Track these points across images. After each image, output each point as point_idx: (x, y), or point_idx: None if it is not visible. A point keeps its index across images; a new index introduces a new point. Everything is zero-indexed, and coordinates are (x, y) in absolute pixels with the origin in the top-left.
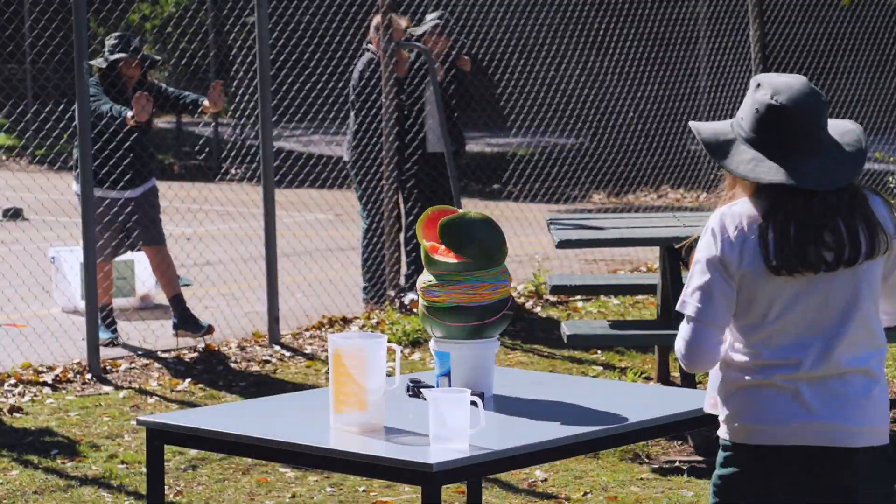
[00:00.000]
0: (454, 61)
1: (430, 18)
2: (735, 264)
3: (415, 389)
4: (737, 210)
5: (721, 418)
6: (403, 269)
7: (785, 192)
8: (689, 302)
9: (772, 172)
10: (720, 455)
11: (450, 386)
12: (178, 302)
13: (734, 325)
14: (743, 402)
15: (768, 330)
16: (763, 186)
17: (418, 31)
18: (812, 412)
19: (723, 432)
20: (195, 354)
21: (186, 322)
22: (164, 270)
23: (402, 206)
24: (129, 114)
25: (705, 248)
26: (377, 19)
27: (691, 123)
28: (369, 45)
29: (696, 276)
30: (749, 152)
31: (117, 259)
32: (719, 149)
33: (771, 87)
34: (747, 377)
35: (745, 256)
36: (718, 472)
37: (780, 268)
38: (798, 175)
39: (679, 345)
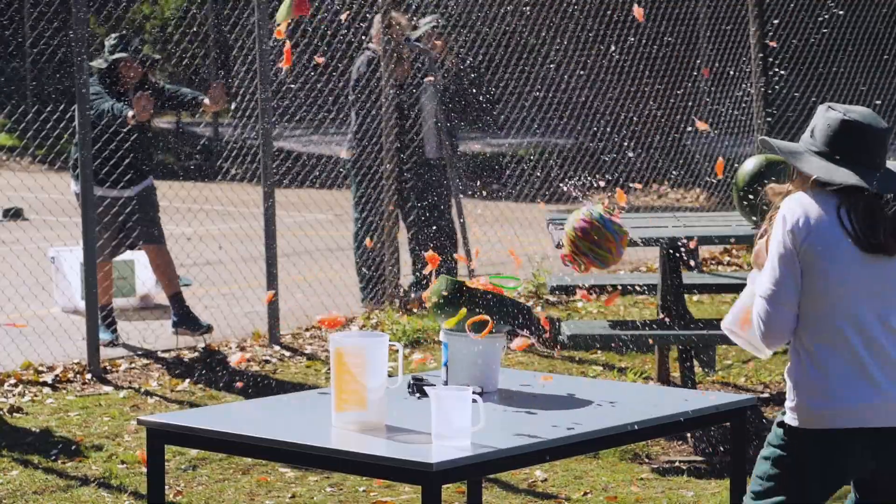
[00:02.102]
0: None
1: (426, 22)
2: (800, 243)
3: (417, 388)
4: (802, 198)
5: (790, 405)
6: (403, 269)
7: (852, 189)
8: (762, 283)
9: (845, 176)
10: (780, 440)
11: (447, 377)
12: (177, 301)
13: (802, 309)
14: (812, 388)
15: (833, 309)
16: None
17: (415, 34)
18: (879, 390)
19: (790, 419)
20: (195, 354)
21: (186, 321)
22: (164, 269)
23: (400, 207)
24: (130, 113)
25: (777, 234)
26: (378, 18)
27: (762, 138)
28: (369, 44)
29: (770, 259)
30: (821, 162)
31: (117, 259)
32: (793, 156)
33: (843, 108)
34: (815, 360)
35: (812, 236)
36: (778, 455)
37: (867, 245)
38: (866, 180)
39: (755, 321)
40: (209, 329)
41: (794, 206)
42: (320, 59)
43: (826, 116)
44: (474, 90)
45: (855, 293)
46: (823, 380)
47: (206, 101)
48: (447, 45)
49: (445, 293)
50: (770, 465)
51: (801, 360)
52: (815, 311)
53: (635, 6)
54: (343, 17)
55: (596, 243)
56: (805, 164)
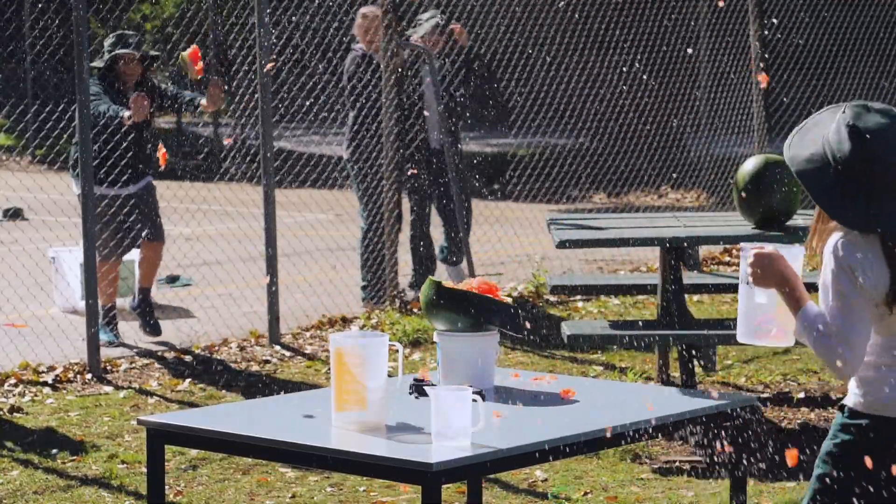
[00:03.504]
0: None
1: (427, 17)
2: (860, 283)
3: (418, 388)
4: (851, 238)
5: (857, 391)
6: (403, 269)
7: None
8: (833, 324)
9: (867, 222)
10: (844, 424)
11: (440, 377)
12: (145, 295)
13: (874, 330)
14: (885, 383)
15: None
16: None
17: (418, 32)
18: None
19: (852, 403)
20: (195, 354)
21: (144, 315)
22: (152, 266)
23: (401, 205)
24: (126, 114)
25: (839, 276)
26: (359, 19)
27: (787, 156)
28: (353, 45)
29: (837, 298)
30: (843, 190)
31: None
32: (811, 179)
33: (866, 125)
34: (882, 363)
35: (869, 278)
36: (840, 439)
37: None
38: (890, 223)
39: (831, 359)
40: (159, 334)
41: (848, 247)
42: (270, 65)
43: (848, 138)
44: (480, 81)
45: None
46: (890, 377)
47: (204, 101)
48: (463, 32)
49: (431, 296)
50: (832, 445)
51: (877, 361)
52: (887, 337)
53: (762, 74)
54: None
55: None
56: (826, 195)
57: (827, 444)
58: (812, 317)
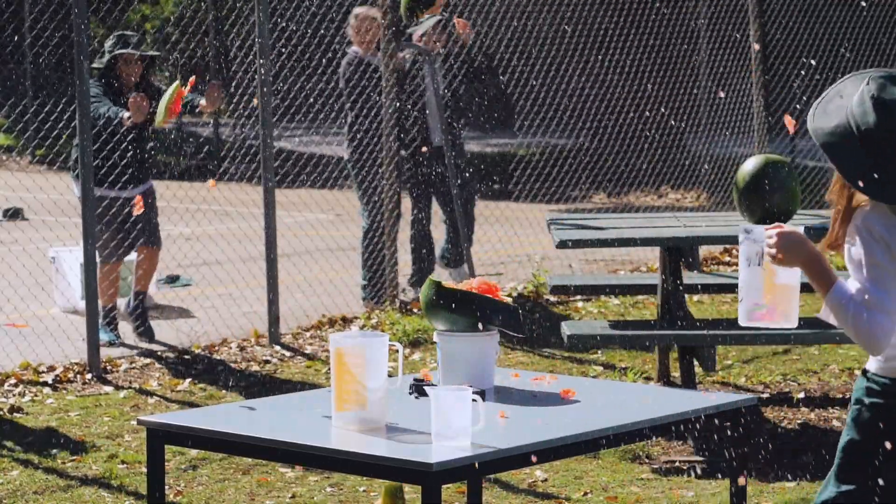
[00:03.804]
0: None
1: (429, 15)
2: (892, 255)
3: (418, 388)
4: (879, 210)
5: (880, 357)
6: (403, 269)
7: None
8: (871, 296)
9: (893, 193)
10: (866, 388)
11: (440, 376)
12: (140, 299)
13: None
14: None
15: None
16: None
17: (419, 30)
18: None
19: (874, 368)
20: (195, 354)
21: (139, 317)
22: (148, 271)
23: (402, 205)
24: (126, 115)
25: (870, 249)
26: (352, 20)
27: (811, 127)
28: (347, 48)
29: (871, 271)
30: (868, 162)
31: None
32: (837, 152)
33: (893, 100)
34: None
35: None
36: (863, 403)
37: None
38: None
39: (870, 332)
40: (151, 338)
41: (878, 219)
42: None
43: (873, 110)
44: (488, 79)
45: None
46: None
47: (203, 101)
48: (468, 26)
49: (431, 296)
50: (856, 411)
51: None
52: None
53: (787, 117)
54: None
55: None
56: (849, 164)
57: (851, 411)
58: (847, 293)
